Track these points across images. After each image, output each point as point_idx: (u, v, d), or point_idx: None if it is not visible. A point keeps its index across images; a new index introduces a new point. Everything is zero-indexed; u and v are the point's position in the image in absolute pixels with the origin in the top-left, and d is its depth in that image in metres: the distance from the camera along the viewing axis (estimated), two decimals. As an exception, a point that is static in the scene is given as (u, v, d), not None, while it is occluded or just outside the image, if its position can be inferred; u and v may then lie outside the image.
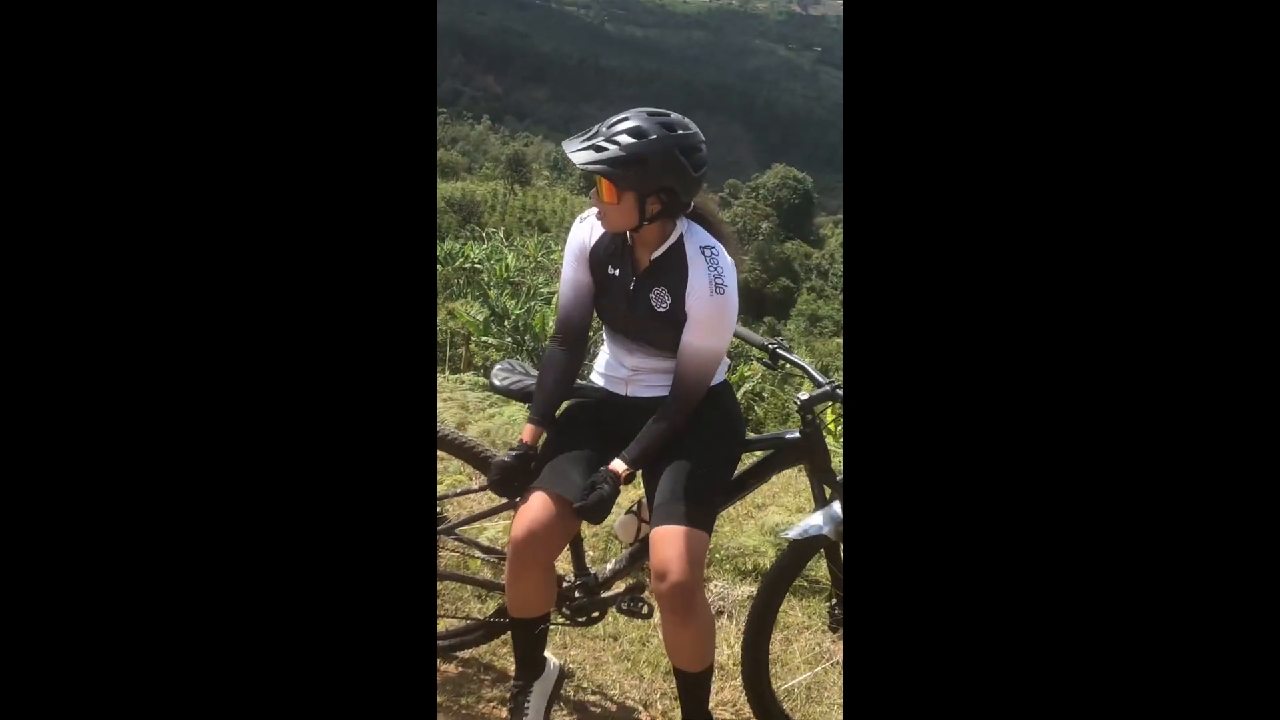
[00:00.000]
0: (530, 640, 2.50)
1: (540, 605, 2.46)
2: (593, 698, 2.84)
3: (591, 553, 3.44)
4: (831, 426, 6.87)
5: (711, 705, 2.55)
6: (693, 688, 2.43)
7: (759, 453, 2.65)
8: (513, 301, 11.51)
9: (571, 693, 2.82)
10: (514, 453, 2.44)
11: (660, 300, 2.37)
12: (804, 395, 2.55)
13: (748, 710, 2.72)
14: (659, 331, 2.41)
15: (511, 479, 2.44)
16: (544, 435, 2.49)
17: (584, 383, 2.59)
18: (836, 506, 2.50)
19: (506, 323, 10.94)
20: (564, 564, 2.89)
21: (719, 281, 2.31)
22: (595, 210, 2.41)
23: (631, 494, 3.00)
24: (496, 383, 2.67)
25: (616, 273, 2.43)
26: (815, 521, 2.49)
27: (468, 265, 17.66)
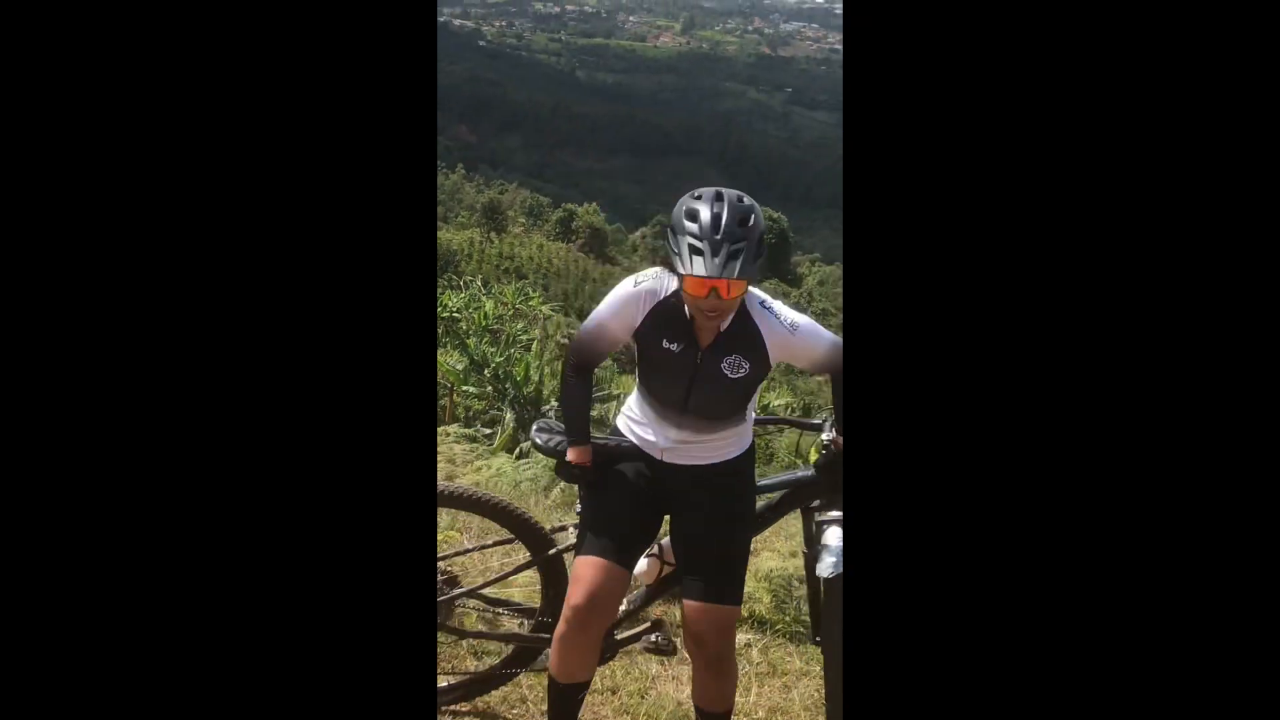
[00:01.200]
0: (571, 706, 2.54)
1: (588, 671, 2.54)
2: (593, 754, 2.80)
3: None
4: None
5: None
6: None
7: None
8: (492, 349, 11.48)
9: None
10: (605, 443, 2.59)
11: (736, 367, 2.43)
12: (827, 436, 2.69)
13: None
14: (726, 400, 2.49)
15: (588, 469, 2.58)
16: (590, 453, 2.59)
17: (618, 440, 2.63)
18: (832, 538, 2.60)
19: (486, 371, 10.92)
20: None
21: (791, 324, 2.44)
22: (650, 279, 2.45)
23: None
24: (539, 442, 2.74)
25: (675, 347, 2.43)
26: (832, 558, 2.58)
27: (446, 314, 17.64)
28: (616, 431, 2.66)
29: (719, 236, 2.24)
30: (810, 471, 2.73)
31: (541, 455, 2.76)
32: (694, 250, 2.25)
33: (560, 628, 2.46)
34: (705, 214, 2.27)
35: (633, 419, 2.62)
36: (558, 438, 2.68)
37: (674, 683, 3.23)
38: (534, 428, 2.78)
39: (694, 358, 2.42)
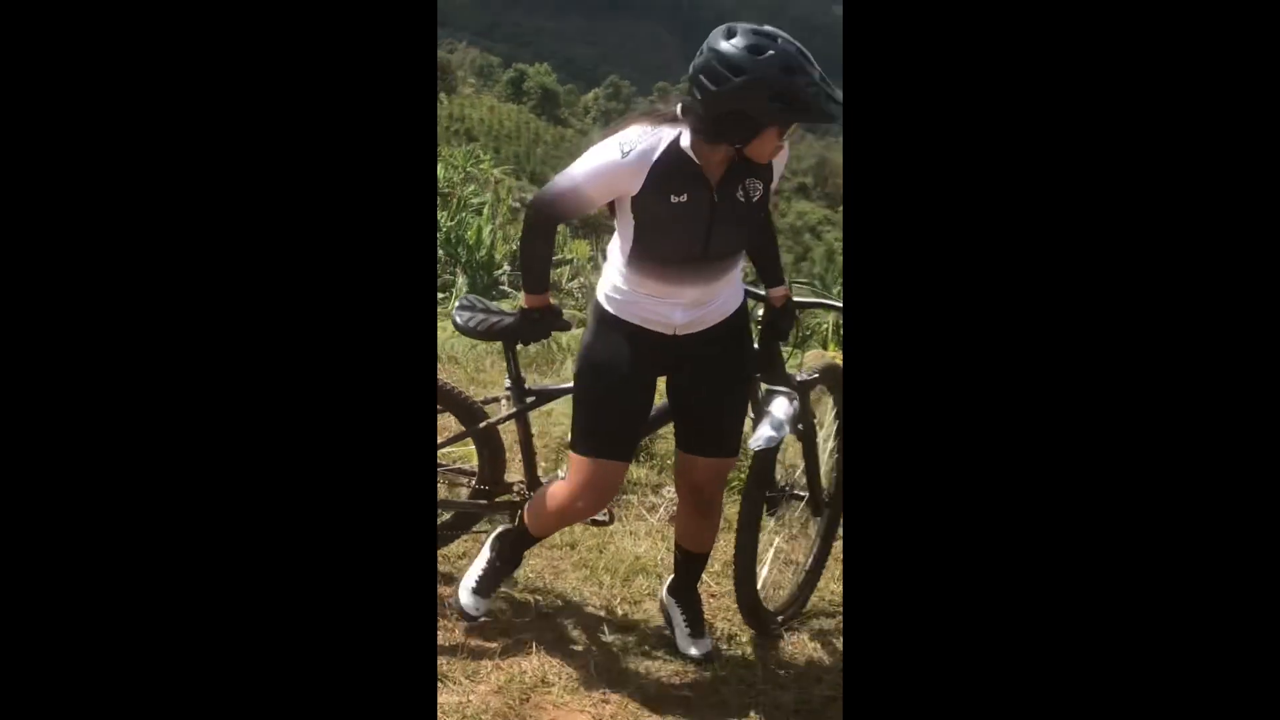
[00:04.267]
0: (525, 549, 2.79)
1: (554, 532, 2.81)
2: (555, 604, 2.87)
3: (543, 464, 3.44)
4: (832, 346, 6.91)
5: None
6: (695, 564, 2.79)
7: None
8: (443, 214, 11.29)
9: (533, 603, 2.85)
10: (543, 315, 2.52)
11: (751, 189, 2.36)
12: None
13: (715, 586, 2.97)
14: (746, 230, 2.43)
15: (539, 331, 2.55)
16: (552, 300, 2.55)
17: (606, 326, 2.48)
18: (777, 409, 2.58)
19: (438, 235, 10.78)
20: (516, 471, 2.90)
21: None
22: (636, 139, 2.26)
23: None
24: (459, 322, 2.63)
25: (685, 197, 2.27)
26: (769, 431, 2.56)
27: (396, 178, 17.32)
28: (600, 309, 2.50)
29: (819, 72, 2.16)
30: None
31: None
32: (829, 97, 2.15)
33: (552, 505, 2.58)
34: (794, 56, 2.13)
35: (629, 300, 2.45)
36: (479, 315, 2.59)
37: (631, 538, 3.30)
38: (455, 305, 2.66)
39: (709, 199, 2.30)
